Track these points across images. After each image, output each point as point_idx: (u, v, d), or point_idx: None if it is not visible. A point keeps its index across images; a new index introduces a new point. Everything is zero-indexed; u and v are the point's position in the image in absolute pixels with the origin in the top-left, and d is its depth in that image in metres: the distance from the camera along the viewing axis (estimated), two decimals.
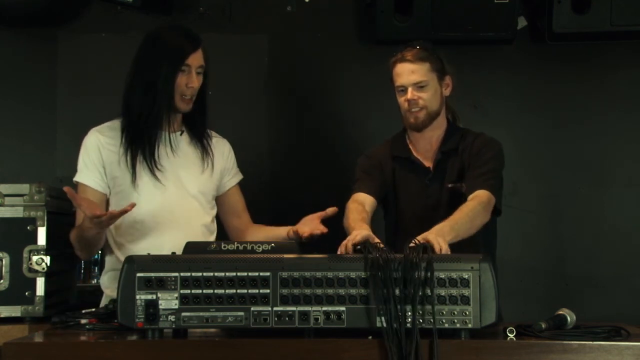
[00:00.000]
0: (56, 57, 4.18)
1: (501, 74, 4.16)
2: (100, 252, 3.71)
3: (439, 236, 2.40)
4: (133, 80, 2.85)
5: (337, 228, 3.92)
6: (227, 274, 2.17)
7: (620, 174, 4.15)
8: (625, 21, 3.88)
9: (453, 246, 2.43)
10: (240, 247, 2.23)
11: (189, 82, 2.82)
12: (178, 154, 2.92)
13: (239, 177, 3.11)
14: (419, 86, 2.97)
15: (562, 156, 4.15)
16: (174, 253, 2.25)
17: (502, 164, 3.03)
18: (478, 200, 2.81)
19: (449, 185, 2.99)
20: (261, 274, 2.17)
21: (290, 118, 4.23)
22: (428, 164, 3.06)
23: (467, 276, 2.15)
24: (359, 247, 2.28)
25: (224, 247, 2.24)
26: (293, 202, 4.13)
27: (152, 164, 2.83)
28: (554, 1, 3.89)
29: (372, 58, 4.18)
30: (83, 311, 2.45)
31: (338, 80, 4.20)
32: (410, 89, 2.97)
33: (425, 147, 3.08)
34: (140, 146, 2.83)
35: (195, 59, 2.83)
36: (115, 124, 2.91)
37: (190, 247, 2.26)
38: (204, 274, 2.17)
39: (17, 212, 2.90)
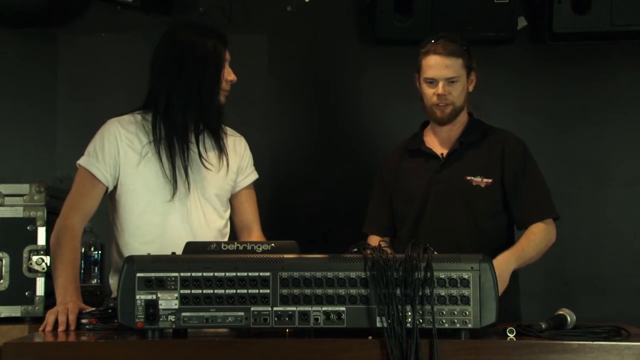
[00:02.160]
0: (56, 57, 4.18)
1: (501, 74, 4.16)
2: (100, 251, 3.73)
3: (503, 269, 2.60)
4: (172, 82, 2.75)
5: (336, 227, 3.93)
6: (227, 274, 2.16)
7: (620, 174, 4.15)
8: (625, 21, 3.88)
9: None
10: (240, 247, 2.23)
11: (228, 76, 2.83)
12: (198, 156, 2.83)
13: (254, 176, 2.99)
14: (451, 81, 2.97)
15: (562, 156, 4.15)
16: (174, 253, 2.25)
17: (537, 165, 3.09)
18: (540, 230, 2.94)
19: (468, 178, 3.00)
20: (261, 274, 2.16)
21: (290, 118, 4.23)
22: (441, 152, 3.07)
23: (467, 276, 2.15)
24: (356, 249, 2.27)
25: (224, 247, 2.23)
26: (293, 202, 4.13)
27: (187, 166, 2.76)
28: (554, 1, 3.89)
29: (372, 58, 4.19)
30: (83, 311, 2.44)
31: (338, 80, 4.20)
32: (441, 83, 2.96)
33: (443, 139, 3.09)
34: (177, 147, 2.76)
35: (227, 54, 2.85)
36: (137, 118, 2.82)
37: (190, 247, 2.26)
38: (204, 274, 2.16)
39: (17, 212, 2.89)
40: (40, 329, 2.41)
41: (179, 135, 2.76)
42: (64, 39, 4.18)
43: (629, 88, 4.17)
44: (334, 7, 4.21)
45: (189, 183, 2.78)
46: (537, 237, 2.94)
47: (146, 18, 4.00)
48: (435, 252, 2.17)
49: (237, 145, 2.96)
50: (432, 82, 2.98)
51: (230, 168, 2.90)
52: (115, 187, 2.79)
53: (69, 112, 4.14)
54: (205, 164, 2.79)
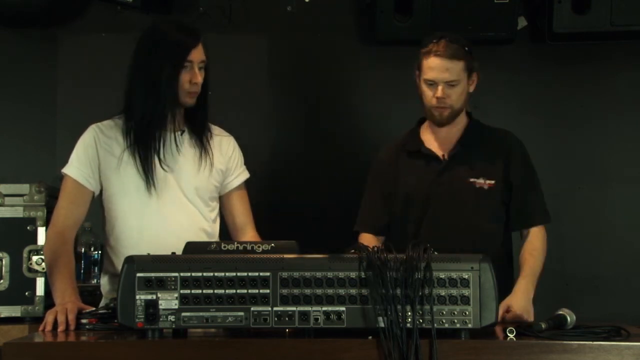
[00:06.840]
0: (56, 57, 4.18)
1: (501, 74, 4.16)
2: (100, 251, 3.73)
3: (527, 303, 2.79)
4: (134, 80, 2.77)
5: (336, 227, 3.92)
6: (227, 274, 2.16)
7: (620, 174, 4.15)
8: (625, 21, 3.88)
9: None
10: (240, 247, 2.23)
11: (192, 78, 2.73)
12: (181, 155, 2.83)
13: (244, 176, 2.97)
14: (451, 84, 2.94)
15: (562, 156, 4.15)
16: (173, 253, 2.25)
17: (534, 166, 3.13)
18: (540, 240, 2.99)
19: (471, 180, 2.99)
20: (261, 274, 2.16)
21: (291, 118, 4.23)
22: (442, 153, 3.06)
23: (467, 276, 2.15)
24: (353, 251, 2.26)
25: (224, 247, 2.23)
26: (292, 202, 4.13)
27: (158, 166, 2.75)
28: (554, 1, 3.89)
29: (372, 58, 4.18)
30: (83, 311, 2.44)
31: (338, 80, 4.20)
32: (441, 86, 2.94)
33: (442, 139, 3.07)
34: (147, 148, 2.75)
35: (197, 54, 2.74)
36: (117, 122, 2.83)
37: (190, 247, 2.26)
38: (204, 274, 2.16)
39: (17, 212, 2.90)
40: (40, 329, 2.41)
41: (145, 137, 2.75)
42: (64, 39, 4.18)
43: (629, 88, 4.17)
44: (334, 7, 4.21)
45: (165, 185, 2.78)
46: (539, 252, 2.97)
47: (146, 18, 3.99)
48: (436, 253, 2.17)
49: (223, 145, 2.93)
50: (432, 84, 2.95)
51: (214, 168, 2.88)
52: (101, 192, 2.81)
53: (69, 112, 4.14)
54: (166, 167, 2.77)
